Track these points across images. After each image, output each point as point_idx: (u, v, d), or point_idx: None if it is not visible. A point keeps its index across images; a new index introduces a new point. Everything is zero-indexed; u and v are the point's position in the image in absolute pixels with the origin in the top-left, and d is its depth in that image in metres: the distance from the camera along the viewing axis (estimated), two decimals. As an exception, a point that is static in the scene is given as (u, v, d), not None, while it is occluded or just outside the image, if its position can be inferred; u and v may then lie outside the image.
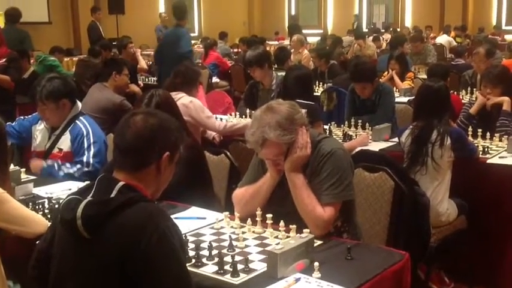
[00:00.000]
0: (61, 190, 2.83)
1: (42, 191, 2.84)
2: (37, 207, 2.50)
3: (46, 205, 2.53)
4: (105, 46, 8.71)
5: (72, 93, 3.39)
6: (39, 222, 2.21)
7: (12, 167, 3.02)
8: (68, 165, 3.23)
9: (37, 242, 1.96)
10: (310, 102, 3.76)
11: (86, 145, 3.26)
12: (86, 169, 3.20)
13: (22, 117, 3.63)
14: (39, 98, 3.29)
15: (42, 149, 3.39)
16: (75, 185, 2.84)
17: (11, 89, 5.55)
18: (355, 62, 4.84)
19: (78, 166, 3.22)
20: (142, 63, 7.62)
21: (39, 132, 3.46)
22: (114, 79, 4.83)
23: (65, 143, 3.32)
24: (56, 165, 3.22)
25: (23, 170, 3.12)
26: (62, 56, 8.68)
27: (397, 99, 4.85)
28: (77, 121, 3.34)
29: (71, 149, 3.30)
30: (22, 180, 3.00)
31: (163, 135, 1.79)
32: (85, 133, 3.29)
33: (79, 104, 3.46)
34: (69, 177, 3.16)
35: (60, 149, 3.33)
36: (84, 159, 3.23)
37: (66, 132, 3.33)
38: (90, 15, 11.39)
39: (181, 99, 4.13)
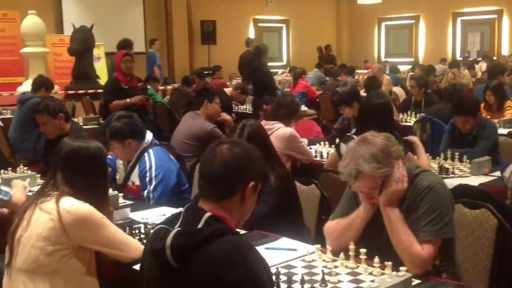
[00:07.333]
0: (156, 215, 2.90)
1: (138, 216, 2.93)
2: (133, 231, 2.57)
3: (142, 230, 2.61)
4: (198, 75, 9.00)
5: (136, 132, 3.42)
6: (136, 247, 2.27)
7: (110, 191, 3.14)
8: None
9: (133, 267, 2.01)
10: None
11: (148, 179, 3.33)
12: (148, 203, 3.28)
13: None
14: (107, 137, 3.40)
15: (121, 182, 3.54)
16: (169, 211, 2.92)
17: None
18: (459, 94, 4.64)
19: (146, 199, 3.32)
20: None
21: (121, 165, 3.59)
22: (205, 107, 4.97)
23: (135, 176, 3.43)
24: None
25: (120, 194, 3.23)
26: (156, 84, 9.03)
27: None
28: (145, 153, 3.40)
29: (140, 183, 3.39)
30: (120, 204, 3.10)
31: (249, 165, 1.79)
32: (148, 167, 3.35)
33: (149, 136, 3.50)
34: None
35: (133, 182, 3.44)
36: (145, 193, 3.33)
37: (136, 166, 3.43)
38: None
39: (280, 129, 4.20)
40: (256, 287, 1.62)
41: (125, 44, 7.64)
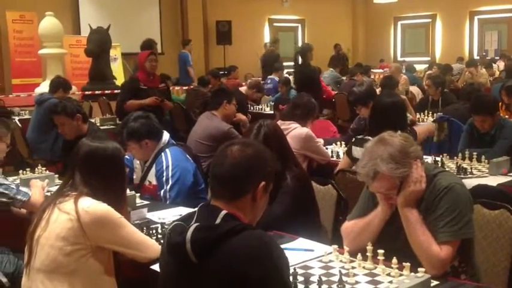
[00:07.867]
0: (172, 216, 2.91)
1: (155, 216, 2.94)
2: (151, 232, 2.58)
3: (159, 230, 2.62)
4: (213, 75, 9.01)
5: (153, 133, 3.43)
6: (153, 247, 2.28)
7: (128, 192, 3.16)
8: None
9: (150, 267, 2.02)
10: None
11: (164, 178, 3.34)
12: (165, 202, 3.29)
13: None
14: (124, 137, 3.41)
15: (138, 182, 3.55)
16: (186, 211, 2.91)
17: None
18: (477, 93, 4.60)
19: (162, 199, 3.32)
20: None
21: (138, 165, 3.60)
22: (224, 108, 4.97)
23: (152, 176, 3.44)
24: None
25: (137, 195, 3.24)
26: (170, 83, 9.01)
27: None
28: (162, 153, 3.42)
29: (156, 182, 3.40)
30: (137, 205, 3.12)
31: (259, 165, 1.80)
32: (165, 166, 3.36)
33: (166, 136, 3.51)
34: None
35: (150, 182, 3.45)
36: (162, 193, 3.33)
37: (153, 166, 3.43)
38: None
39: (296, 129, 4.20)
40: (280, 282, 1.63)
41: (148, 44, 7.68)
